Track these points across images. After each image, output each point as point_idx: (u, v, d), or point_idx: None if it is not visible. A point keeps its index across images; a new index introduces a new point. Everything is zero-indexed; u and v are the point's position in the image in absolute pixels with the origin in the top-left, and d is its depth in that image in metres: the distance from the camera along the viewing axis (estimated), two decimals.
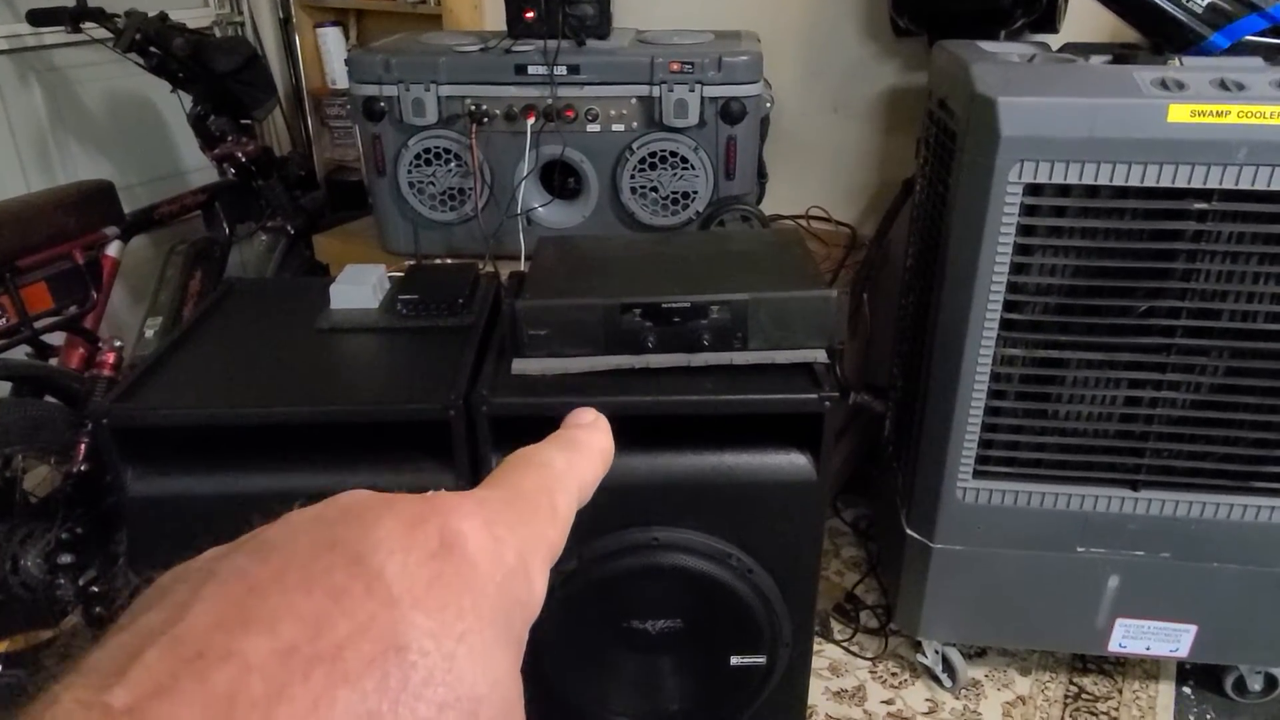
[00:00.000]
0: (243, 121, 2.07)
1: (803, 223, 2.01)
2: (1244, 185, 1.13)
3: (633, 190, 1.64)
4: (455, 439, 1.02)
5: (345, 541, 0.20)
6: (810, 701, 1.33)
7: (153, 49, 1.88)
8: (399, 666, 0.18)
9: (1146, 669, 1.61)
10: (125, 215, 1.84)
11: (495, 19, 2.03)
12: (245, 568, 0.20)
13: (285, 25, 2.54)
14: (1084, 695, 1.57)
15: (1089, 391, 1.30)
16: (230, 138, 2.04)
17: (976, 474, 1.36)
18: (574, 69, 1.57)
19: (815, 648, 1.55)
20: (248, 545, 0.21)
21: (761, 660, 1.16)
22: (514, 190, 1.66)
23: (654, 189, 1.64)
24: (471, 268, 1.33)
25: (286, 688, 0.17)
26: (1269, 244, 1.17)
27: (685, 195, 1.63)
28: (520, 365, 1.06)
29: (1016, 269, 1.22)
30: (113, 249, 1.81)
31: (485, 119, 1.60)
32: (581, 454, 0.28)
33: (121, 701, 0.17)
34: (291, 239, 2.20)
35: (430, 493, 0.22)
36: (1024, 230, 1.20)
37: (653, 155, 1.61)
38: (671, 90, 1.55)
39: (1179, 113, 1.11)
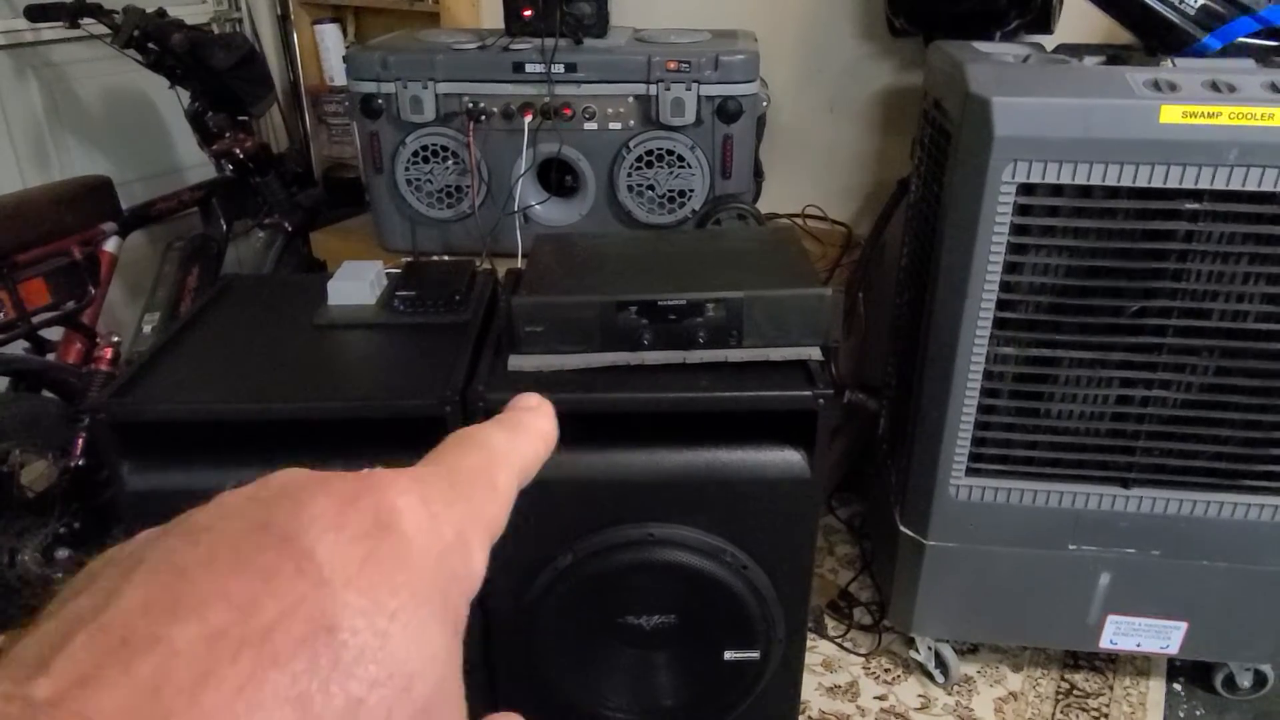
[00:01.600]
0: (240, 118, 2.08)
1: (798, 221, 2.02)
2: (1235, 186, 1.14)
3: (629, 188, 1.65)
4: None
5: (276, 522, 0.20)
6: (804, 697, 1.34)
7: (150, 45, 1.89)
8: (329, 646, 0.18)
9: (1137, 666, 1.63)
10: (123, 211, 1.84)
11: (493, 17, 2.03)
12: (175, 551, 0.19)
13: (283, 22, 2.54)
14: (1075, 691, 1.58)
15: (1081, 390, 1.31)
16: (228, 134, 2.04)
17: (969, 472, 1.37)
18: (571, 67, 1.58)
19: (809, 644, 1.56)
20: (179, 528, 0.20)
21: (755, 656, 1.17)
22: (511, 188, 1.67)
23: (650, 187, 1.64)
24: (468, 265, 1.33)
25: (213, 672, 0.17)
26: (1259, 244, 1.18)
27: (681, 194, 1.64)
28: (516, 362, 1.06)
29: (1010, 268, 1.23)
30: (110, 245, 1.81)
31: (483, 117, 1.61)
32: (523, 434, 0.28)
33: (44, 693, 0.16)
34: (289, 236, 2.20)
35: (366, 470, 0.22)
36: (1017, 230, 1.21)
37: (649, 154, 1.62)
38: (668, 89, 1.56)
39: (1171, 114, 1.12)
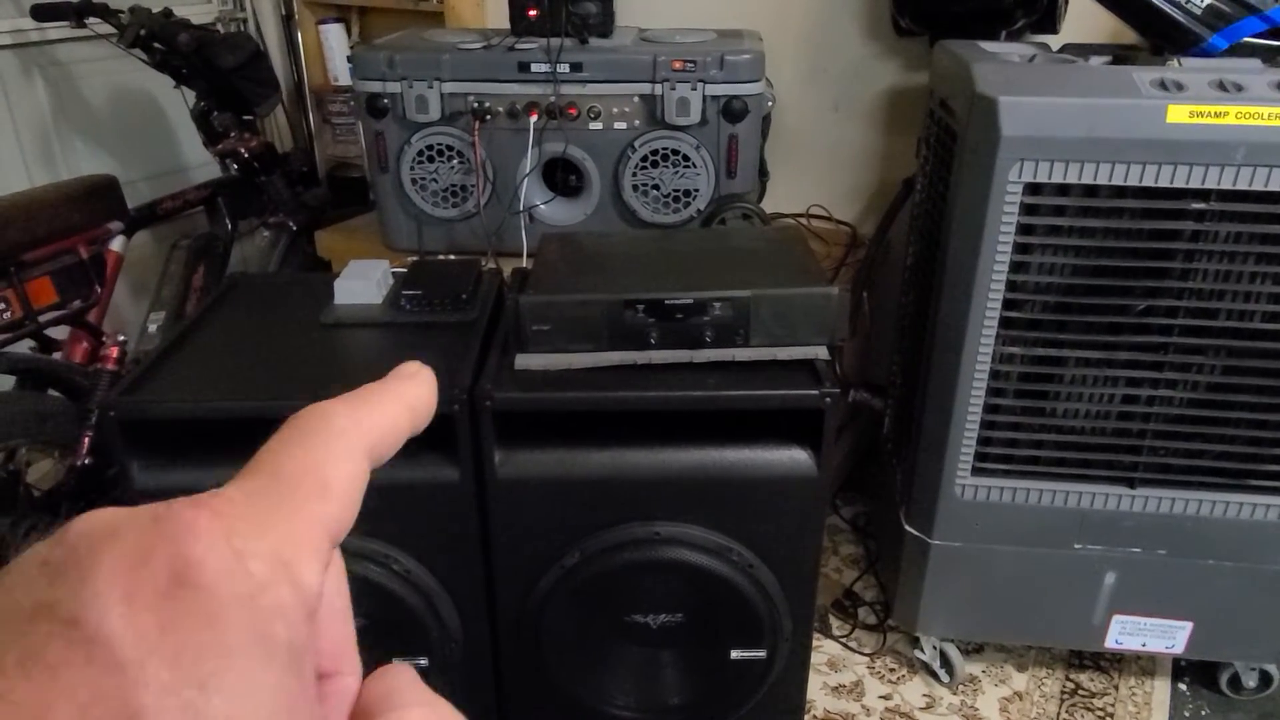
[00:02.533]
0: (245, 118, 2.08)
1: (803, 221, 2.02)
2: (1242, 186, 1.14)
3: (634, 188, 1.65)
4: (459, 433, 1.03)
5: (61, 601, 0.18)
6: (809, 696, 1.34)
7: (156, 45, 1.89)
8: None
9: (1142, 665, 1.62)
10: (129, 210, 1.84)
11: (498, 16, 2.03)
12: None
13: (288, 22, 2.54)
14: (1080, 691, 1.58)
15: (1087, 390, 1.31)
16: (233, 134, 2.05)
17: (975, 471, 1.37)
18: (577, 67, 1.58)
19: (814, 643, 1.56)
20: None
21: (761, 655, 1.17)
22: (516, 187, 1.67)
23: (655, 187, 1.64)
24: (474, 264, 1.34)
25: None
26: (1266, 244, 1.18)
27: (686, 193, 1.64)
28: (523, 360, 1.07)
29: (1016, 268, 1.23)
30: (116, 244, 1.82)
31: (488, 116, 1.61)
32: (374, 406, 0.25)
33: None
34: (294, 235, 2.21)
35: (165, 508, 0.20)
36: (1023, 229, 1.21)
37: (654, 153, 1.62)
38: (673, 88, 1.56)
39: (1178, 113, 1.12)
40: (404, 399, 0.26)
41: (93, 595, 0.18)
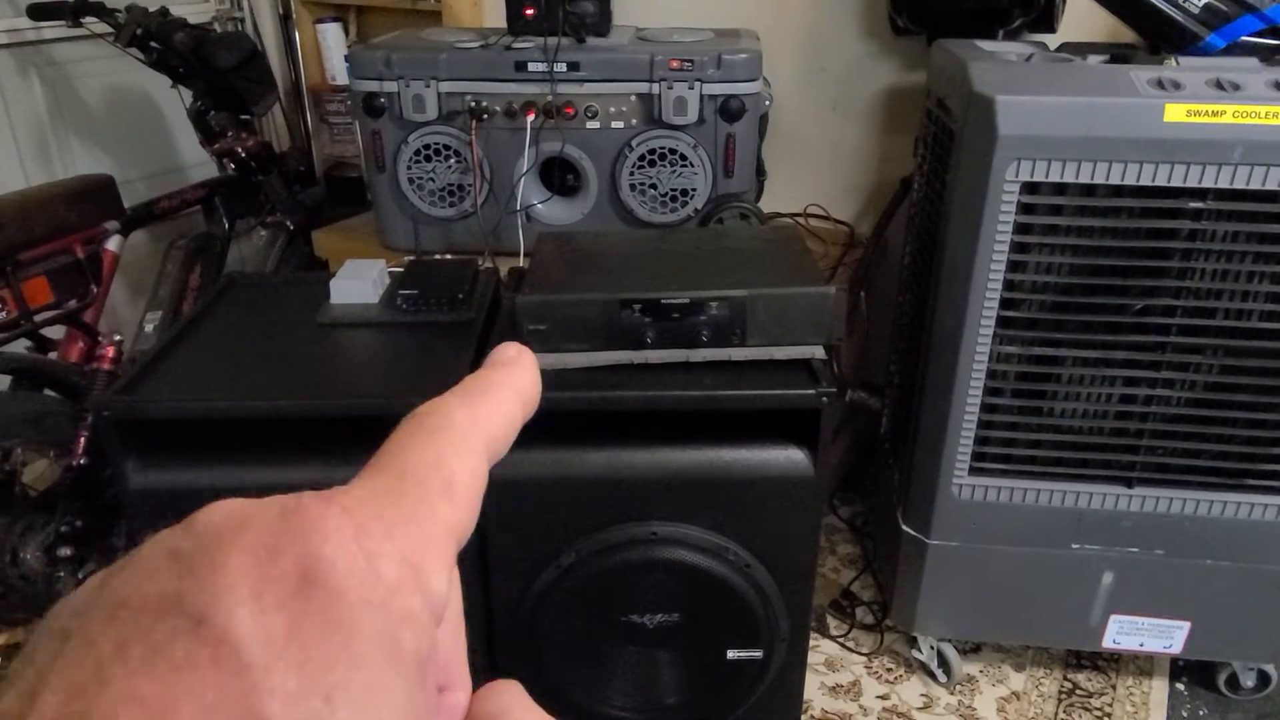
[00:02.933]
0: (243, 117, 2.08)
1: (801, 220, 2.02)
2: (1239, 185, 1.14)
3: (631, 187, 1.64)
4: None
5: (189, 596, 0.17)
6: (806, 696, 1.34)
7: (153, 44, 1.89)
8: None
9: (1140, 665, 1.62)
10: (125, 210, 1.84)
11: (495, 16, 2.03)
12: (96, 636, 0.17)
13: (285, 21, 2.54)
14: (1078, 691, 1.58)
15: (1084, 389, 1.30)
16: (230, 133, 2.04)
17: (972, 471, 1.37)
18: (574, 66, 1.57)
19: (811, 643, 1.56)
20: (105, 595, 0.18)
21: (758, 655, 1.17)
22: (513, 187, 1.66)
23: (653, 186, 1.64)
24: (471, 263, 1.33)
25: None
26: (1263, 243, 1.18)
27: (684, 192, 1.64)
28: None
29: (1013, 267, 1.23)
30: (113, 243, 1.81)
31: (485, 115, 1.61)
32: (490, 400, 0.24)
33: None
34: (291, 234, 2.20)
35: (295, 501, 0.19)
36: (1021, 229, 1.21)
37: (652, 152, 1.62)
38: (671, 88, 1.56)
39: (1175, 112, 1.12)
40: (514, 388, 0.25)
41: (223, 590, 0.17)
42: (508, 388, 0.25)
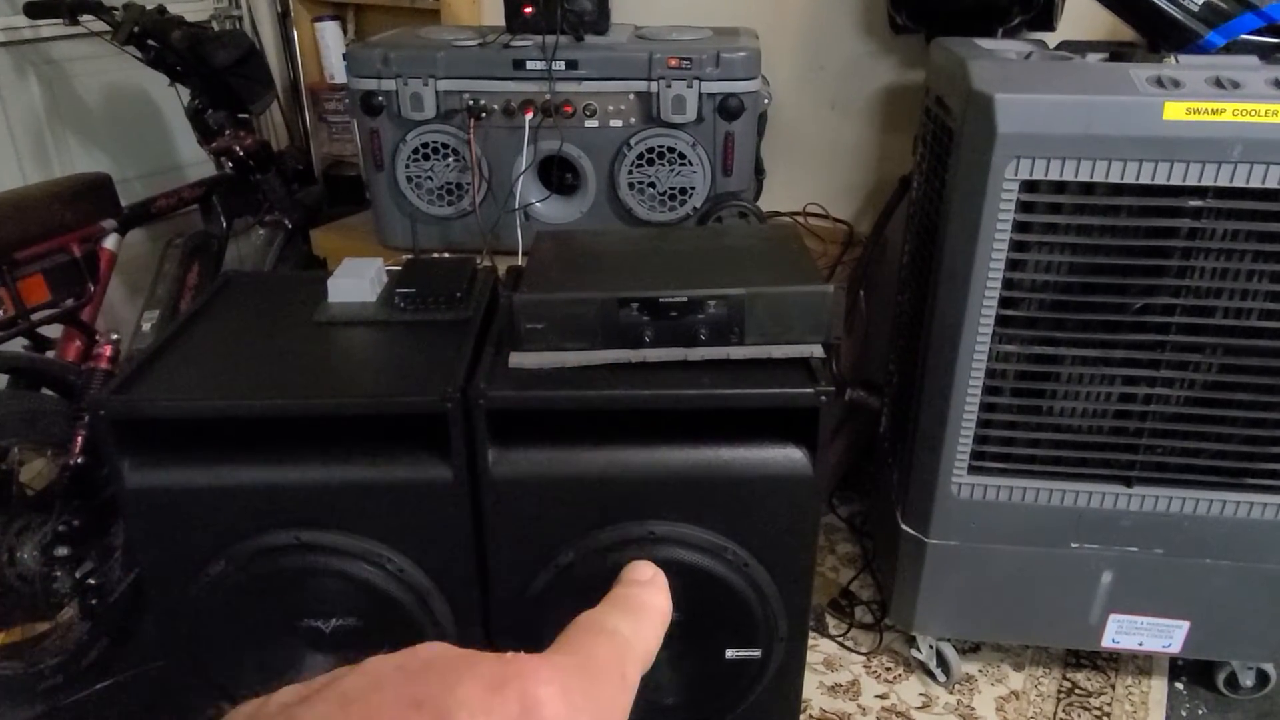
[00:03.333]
0: (240, 116, 2.07)
1: (800, 219, 2.02)
2: (1238, 183, 1.14)
3: (630, 186, 1.64)
4: (452, 432, 1.02)
5: (429, 700, 0.20)
6: (805, 696, 1.34)
7: (150, 42, 1.88)
8: None
9: (1139, 664, 1.62)
10: (123, 208, 1.84)
11: (494, 14, 2.03)
12: (334, 714, 0.20)
13: (283, 19, 2.54)
14: (1077, 690, 1.58)
15: (1084, 388, 1.30)
16: (228, 132, 2.04)
17: (971, 470, 1.37)
18: (572, 64, 1.57)
19: (810, 643, 1.56)
20: (327, 693, 0.21)
21: (756, 654, 1.16)
22: (512, 185, 1.66)
23: (651, 184, 1.64)
24: (469, 262, 1.33)
25: None
26: (1263, 242, 1.17)
27: (683, 191, 1.64)
28: (517, 359, 1.06)
29: (1012, 266, 1.23)
30: (110, 242, 1.81)
31: (483, 114, 1.61)
32: (645, 620, 0.29)
33: None
34: (289, 233, 2.20)
35: (510, 654, 0.23)
36: (1020, 227, 1.20)
37: (650, 151, 1.61)
38: (669, 86, 1.55)
39: (1174, 110, 1.12)
40: (659, 610, 0.30)
41: (457, 702, 0.20)
42: (655, 609, 0.30)
